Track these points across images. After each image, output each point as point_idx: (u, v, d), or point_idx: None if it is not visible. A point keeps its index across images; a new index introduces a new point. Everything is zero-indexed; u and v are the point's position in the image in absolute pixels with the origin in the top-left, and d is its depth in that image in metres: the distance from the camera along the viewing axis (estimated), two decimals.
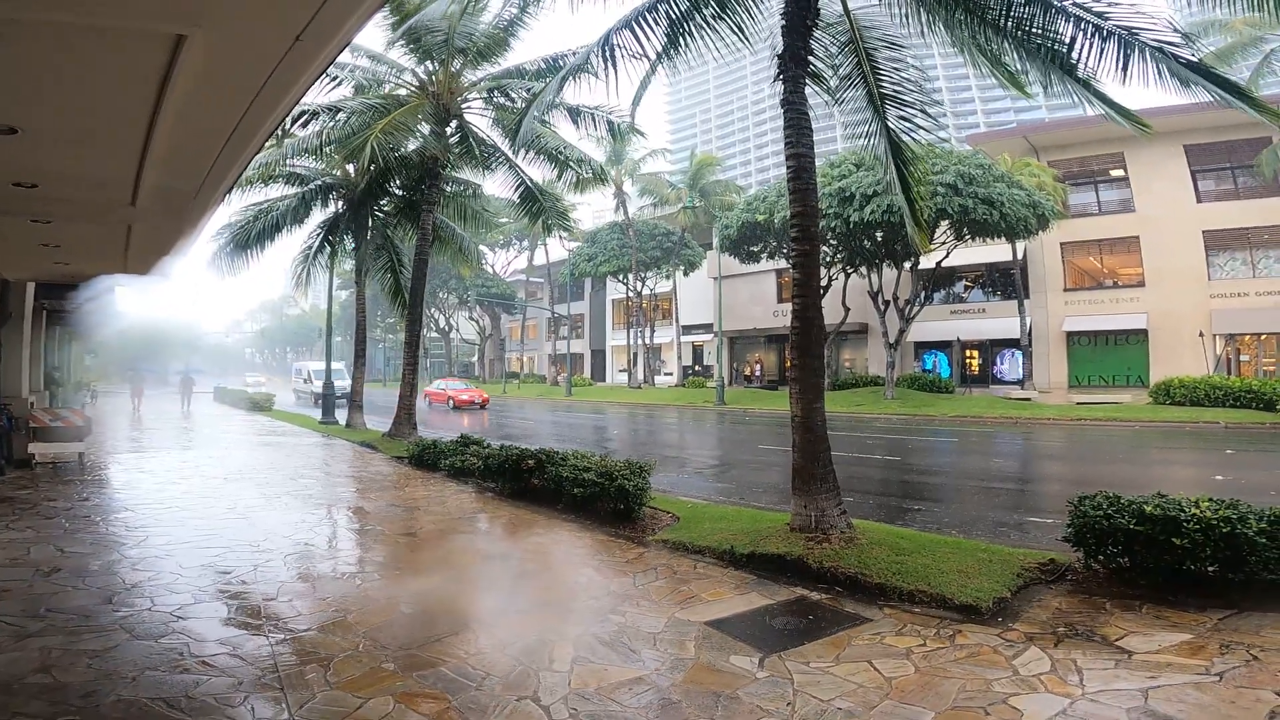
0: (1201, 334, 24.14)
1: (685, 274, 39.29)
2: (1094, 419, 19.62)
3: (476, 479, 9.57)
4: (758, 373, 37.78)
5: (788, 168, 6.49)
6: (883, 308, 26.30)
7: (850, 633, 4.23)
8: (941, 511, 8.13)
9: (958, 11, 6.47)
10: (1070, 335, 27.47)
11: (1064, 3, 5.97)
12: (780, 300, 34.10)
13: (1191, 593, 4.37)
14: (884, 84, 6.67)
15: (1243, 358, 24.92)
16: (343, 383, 22.16)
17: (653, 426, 22.53)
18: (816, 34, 6.64)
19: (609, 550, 6.24)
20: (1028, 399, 25.48)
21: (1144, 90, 7.40)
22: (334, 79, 14.10)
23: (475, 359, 63.32)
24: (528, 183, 15.48)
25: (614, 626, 4.36)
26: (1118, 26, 5.75)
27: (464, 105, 15.16)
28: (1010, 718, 3.13)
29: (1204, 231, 25.10)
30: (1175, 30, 5.77)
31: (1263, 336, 24.71)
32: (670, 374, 43.43)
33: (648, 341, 40.78)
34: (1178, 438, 16.25)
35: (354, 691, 3.49)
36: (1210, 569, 4.33)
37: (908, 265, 24.99)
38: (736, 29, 7.04)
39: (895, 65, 6.79)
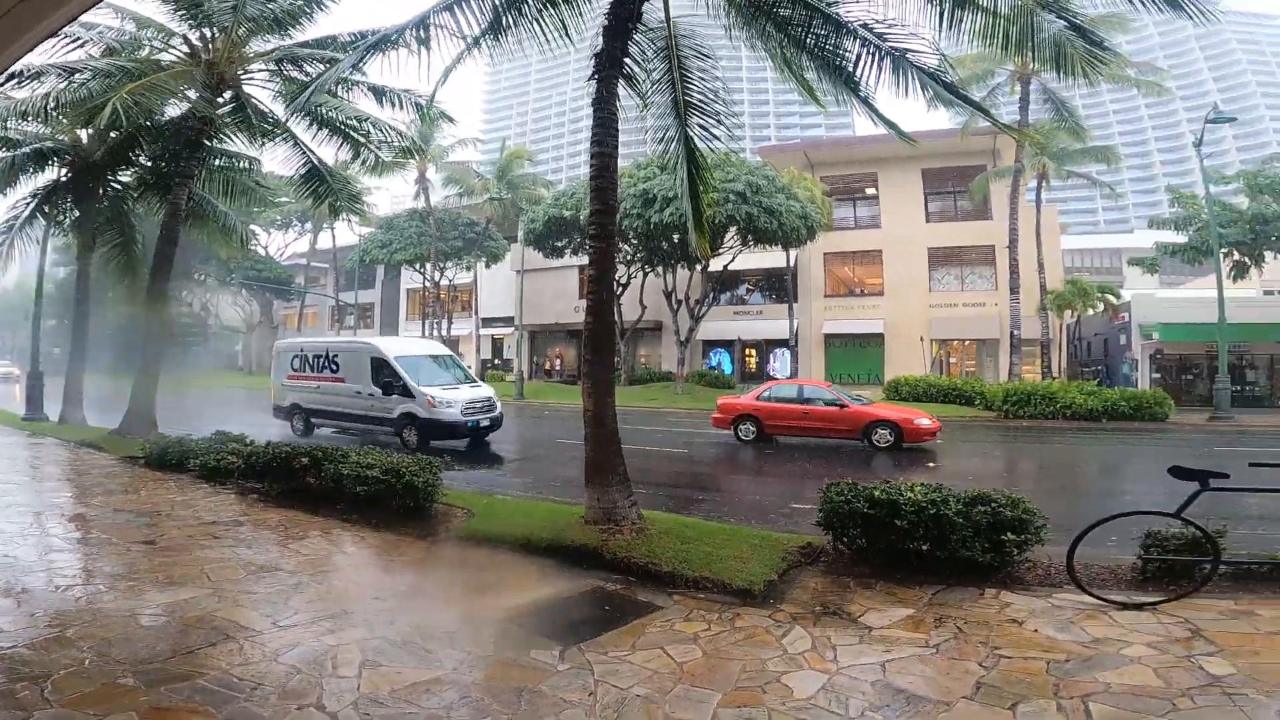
0: (922, 339, 29.03)
1: (488, 266, 38.34)
2: None
3: (238, 480, 8.50)
4: (558, 367, 38.08)
5: (591, 165, 6.57)
6: (675, 307, 27.96)
7: (644, 621, 4.43)
8: (723, 501, 8.82)
9: (769, 25, 6.94)
10: (828, 337, 31.43)
11: (854, 24, 6.61)
12: (582, 296, 34.69)
13: (913, 569, 5.08)
14: (691, 92, 6.94)
15: (951, 360, 30.44)
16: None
17: None
18: (636, 37, 6.78)
19: (398, 550, 5.91)
20: None
21: (905, 111, 8.56)
22: (75, 39, 11.89)
23: (239, 348, 55.80)
24: (314, 161, 13.96)
25: (407, 627, 4.15)
26: (893, 48, 6.58)
27: (245, 76, 13.34)
28: (783, 695, 3.45)
29: (929, 248, 30.17)
30: (939, 54, 6.61)
31: (966, 342, 30.38)
32: (469, 367, 42.08)
33: (445, 333, 39.12)
34: None
35: (84, 709, 3.03)
36: (924, 547, 5.06)
37: (699, 267, 26.81)
38: (560, 25, 6.95)
39: (703, 75, 7.09)
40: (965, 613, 4.46)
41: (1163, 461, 4.94)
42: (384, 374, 13.79)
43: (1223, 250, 21.75)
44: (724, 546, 5.59)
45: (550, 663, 3.77)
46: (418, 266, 37.94)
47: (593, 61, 6.61)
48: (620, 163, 7.09)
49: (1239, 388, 24.64)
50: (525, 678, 3.58)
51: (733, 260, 26.96)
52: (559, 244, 27.93)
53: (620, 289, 29.01)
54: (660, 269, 27.49)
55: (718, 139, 7.05)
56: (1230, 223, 21.65)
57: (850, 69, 6.76)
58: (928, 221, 30.57)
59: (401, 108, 13.19)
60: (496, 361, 41.69)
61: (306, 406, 14.96)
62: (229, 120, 13.44)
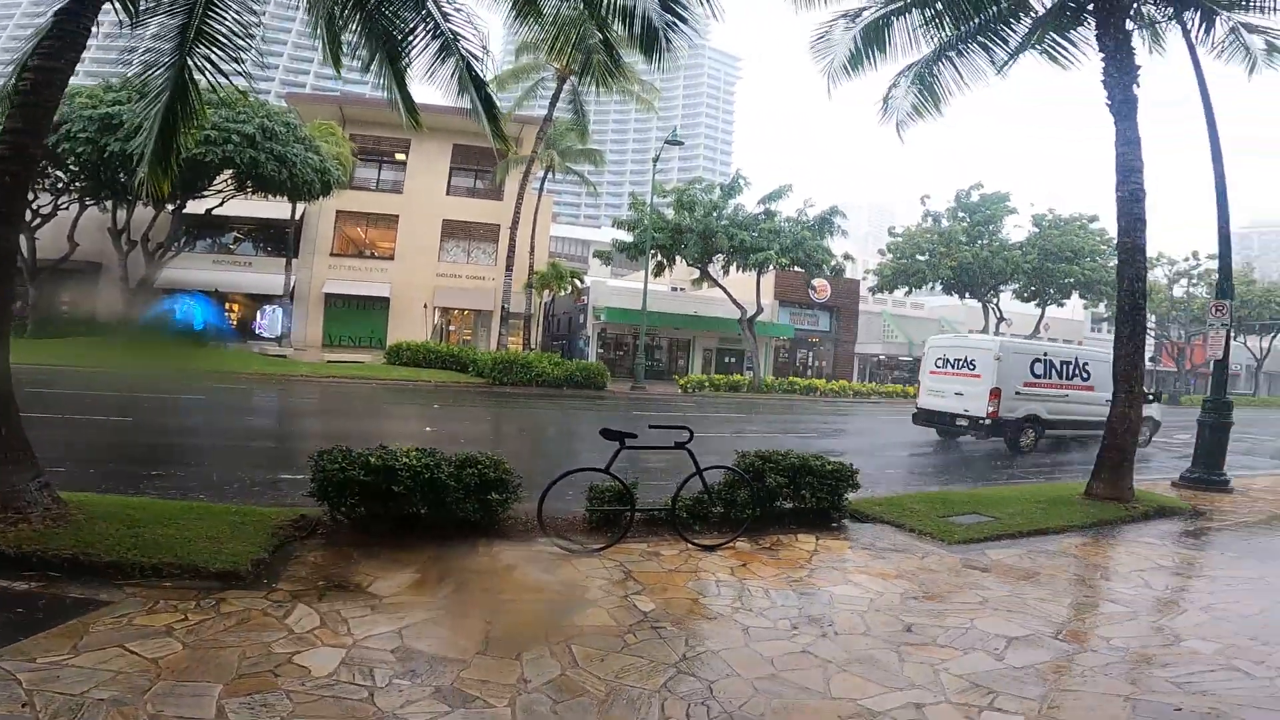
0: (426, 306, 30.01)
1: None
2: (342, 376, 21.76)
3: None
4: None
5: (25, 81, 4.88)
6: (127, 247, 22.07)
7: (85, 620, 3.53)
8: (188, 476, 7.47)
9: None
10: (329, 297, 29.56)
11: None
12: None
13: (417, 535, 5.19)
14: (216, 22, 5.75)
15: (451, 328, 32.33)
16: None
17: None
18: None
19: None
20: (284, 355, 26.12)
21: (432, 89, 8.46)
22: None
23: None
24: None
25: None
26: (450, 30, 6.45)
27: None
28: (300, 675, 3.18)
29: (445, 220, 31.26)
30: (483, 48, 6.79)
31: (466, 312, 32.63)
32: None
33: None
34: (406, 394, 19.69)
35: None
36: (423, 510, 5.21)
37: (172, 207, 21.79)
38: None
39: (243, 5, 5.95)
40: (465, 566, 4.80)
41: (606, 423, 6.10)
42: None
43: (652, 251, 28.47)
44: (193, 527, 4.79)
45: None
46: None
47: None
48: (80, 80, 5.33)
49: (651, 363, 33.21)
50: None
51: (221, 205, 22.76)
52: None
53: (37, 220, 21.56)
54: (111, 203, 21.41)
55: (224, 75, 5.90)
56: (660, 229, 28.05)
57: (400, 38, 6.52)
58: (448, 194, 31.72)
59: None
60: None
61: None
62: None
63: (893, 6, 9.45)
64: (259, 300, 29.05)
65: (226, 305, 28.78)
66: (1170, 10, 9.01)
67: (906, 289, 37.65)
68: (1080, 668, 3.71)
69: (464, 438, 11.31)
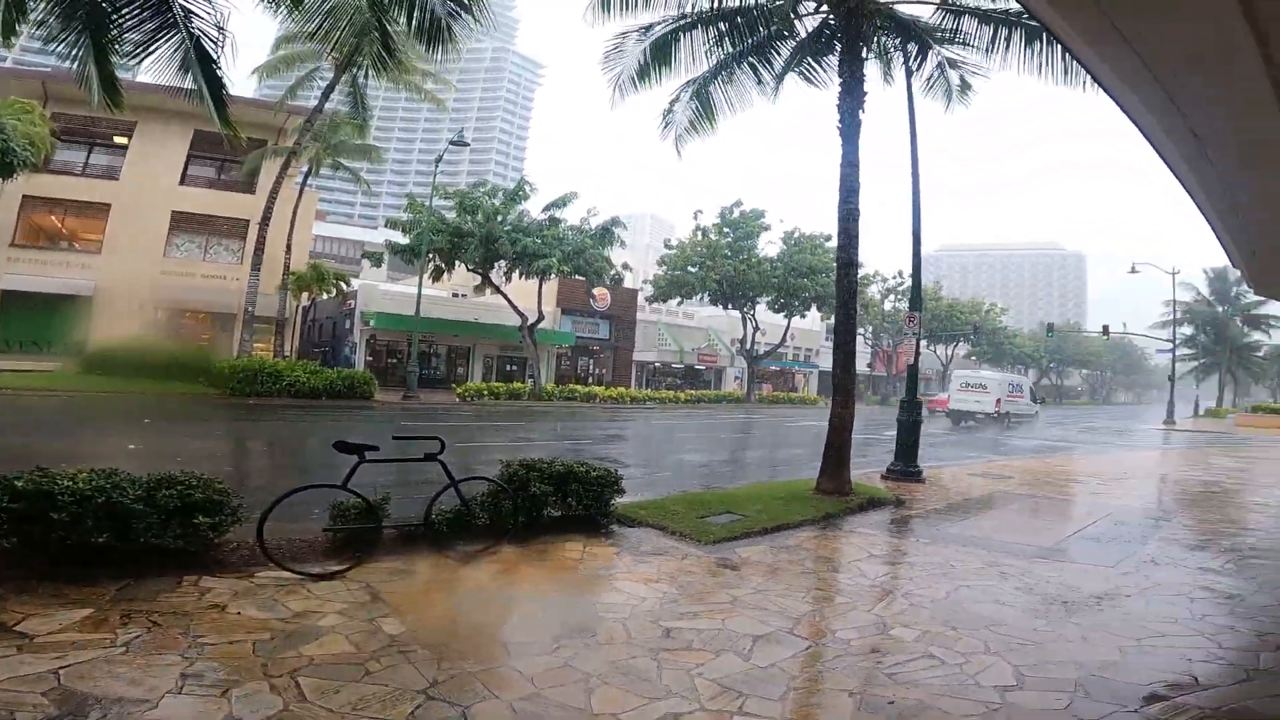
0: (143, 305, 25.30)
1: None
2: (19, 388, 17.38)
3: None
4: None
5: None
6: None
7: None
8: None
9: None
10: (7, 294, 23.70)
11: None
12: None
13: (95, 565, 4.29)
14: None
15: (183, 332, 27.56)
16: None
17: None
18: None
19: None
20: None
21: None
22: None
23: None
24: None
25: None
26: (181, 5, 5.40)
27: None
28: None
29: (175, 211, 26.65)
30: (218, 27, 6.21)
31: (201, 315, 28.06)
32: None
33: None
34: (111, 408, 16.32)
35: None
36: (101, 539, 4.28)
37: None
38: None
39: None
40: (159, 605, 4.02)
41: (364, 436, 5.57)
42: None
43: (430, 254, 26.92)
44: None
45: None
46: None
47: None
48: None
49: (426, 371, 31.45)
50: None
51: None
52: None
53: None
54: None
55: None
56: (440, 231, 26.56)
57: (109, 9, 5.49)
58: (182, 183, 27.20)
59: None
60: None
61: None
62: None
63: (681, 23, 9.87)
64: None
65: None
66: (899, 40, 10.26)
67: (679, 299, 40.23)
68: (815, 663, 3.99)
69: (181, 455, 9.52)
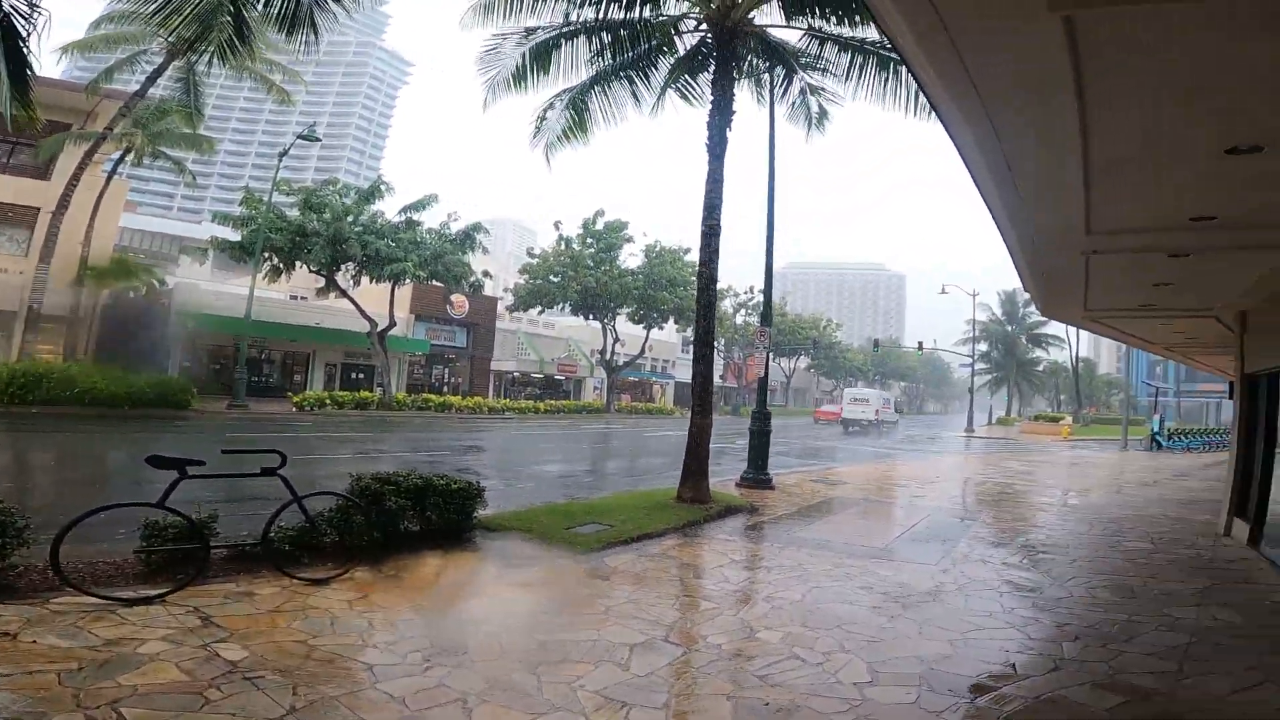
0: None
1: None
2: None
3: None
4: None
5: None
6: None
7: None
8: None
9: None
10: None
11: None
12: None
13: None
14: None
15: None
16: None
17: None
18: None
19: None
20: None
21: None
22: None
23: None
24: None
25: None
26: None
27: None
28: None
29: None
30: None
31: None
32: None
33: None
34: None
35: None
36: None
37: None
38: None
39: None
40: None
41: (178, 449, 4.94)
42: None
43: (266, 253, 24.56)
44: None
45: None
46: None
47: None
48: None
49: (258, 378, 28.56)
50: None
51: None
52: None
53: None
54: None
55: None
56: (279, 229, 24.44)
57: None
58: None
59: None
60: None
61: None
62: None
63: (565, 30, 9.75)
64: None
65: None
66: (768, 63, 10.67)
67: (540, 309, 39.81)
68: (690, 669, 4.05)
69: None
